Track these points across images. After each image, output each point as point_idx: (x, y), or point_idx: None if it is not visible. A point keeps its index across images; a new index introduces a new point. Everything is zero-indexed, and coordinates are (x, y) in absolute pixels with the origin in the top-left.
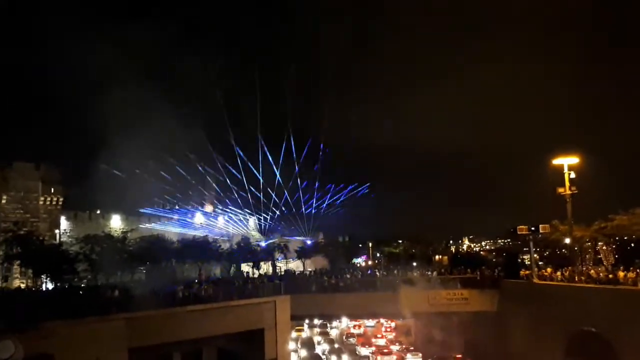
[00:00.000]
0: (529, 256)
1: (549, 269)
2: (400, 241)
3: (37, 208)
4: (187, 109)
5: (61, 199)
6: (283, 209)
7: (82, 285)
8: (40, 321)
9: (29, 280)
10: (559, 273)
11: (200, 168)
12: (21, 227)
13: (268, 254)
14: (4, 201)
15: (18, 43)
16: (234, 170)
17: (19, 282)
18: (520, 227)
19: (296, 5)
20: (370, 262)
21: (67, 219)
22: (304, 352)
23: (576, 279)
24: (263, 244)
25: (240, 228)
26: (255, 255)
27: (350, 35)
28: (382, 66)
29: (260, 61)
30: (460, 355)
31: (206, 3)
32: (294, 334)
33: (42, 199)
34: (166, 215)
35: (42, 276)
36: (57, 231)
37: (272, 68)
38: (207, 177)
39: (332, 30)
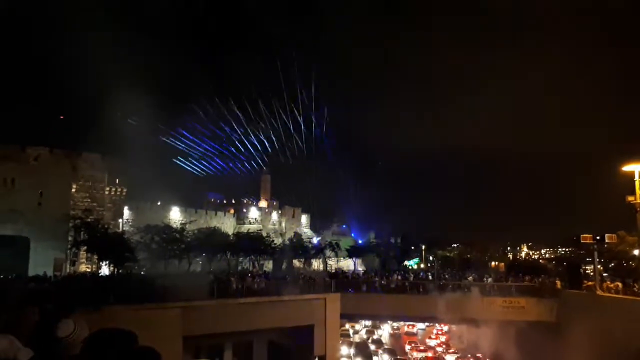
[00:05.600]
0: (591, 267)
1: (607, 283)
2: (455, 245)
3: (103, 197)
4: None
5: (125, 190)
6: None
7: (142, 272)
8: (102, 305)
9: (94, 266)
10: (620, 284)
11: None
12: (88, 215)
13: (319, 252)
14: (73, 190)
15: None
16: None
17: (85, 267)
18: (585, 235)
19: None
20: (422, 265)
21: (130, 209)
22: None
23: None
24: (315, 241)
25: (293, 224)
26: (307, 252)
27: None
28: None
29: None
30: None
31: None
32: None
33: (107, 189)
34: (223, 209)
35: (105, 262)
36: (120, 220)
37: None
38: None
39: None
